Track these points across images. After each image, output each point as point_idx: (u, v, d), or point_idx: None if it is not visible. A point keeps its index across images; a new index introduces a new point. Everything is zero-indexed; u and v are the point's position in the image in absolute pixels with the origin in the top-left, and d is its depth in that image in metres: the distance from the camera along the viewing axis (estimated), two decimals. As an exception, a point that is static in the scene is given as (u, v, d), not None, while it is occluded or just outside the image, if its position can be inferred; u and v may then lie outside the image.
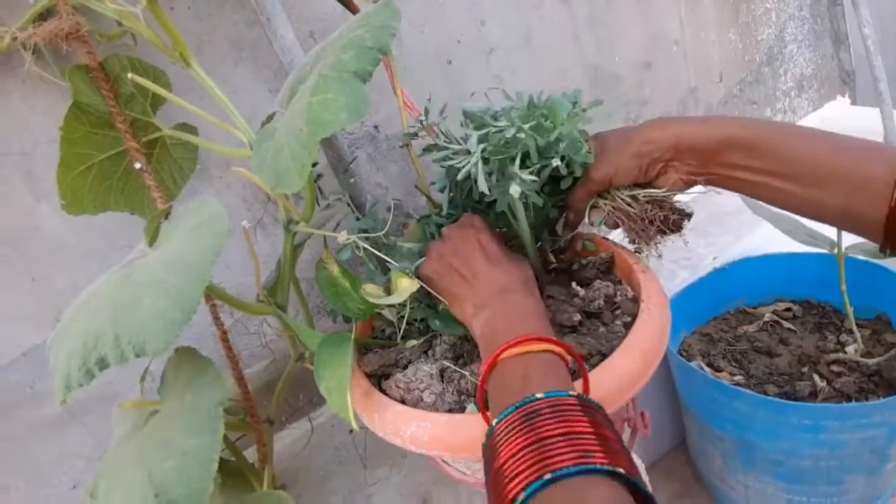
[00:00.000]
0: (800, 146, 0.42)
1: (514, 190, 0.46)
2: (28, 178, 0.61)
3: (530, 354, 0.41)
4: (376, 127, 0.80)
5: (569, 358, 0.42)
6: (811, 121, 1.36)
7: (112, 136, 0.55)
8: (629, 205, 0.49)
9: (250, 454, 0.66)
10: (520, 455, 0.32)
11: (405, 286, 0.47)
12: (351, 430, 0.80)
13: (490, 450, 0.36)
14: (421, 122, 0.54)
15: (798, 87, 1.31)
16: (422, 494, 0.68)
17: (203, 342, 0.72)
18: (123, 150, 0.56)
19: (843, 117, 1.35)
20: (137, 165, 0.55)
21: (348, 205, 0.64)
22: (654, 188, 0.49)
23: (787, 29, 1.24)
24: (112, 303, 0.42)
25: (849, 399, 0.79)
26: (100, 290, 0.45)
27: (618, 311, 0.52)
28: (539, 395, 0.36)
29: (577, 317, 0.52)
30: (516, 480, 0.31)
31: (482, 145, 0.47)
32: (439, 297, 0.51)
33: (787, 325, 0.95)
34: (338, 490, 0.71)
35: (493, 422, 0.37)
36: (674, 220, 0.49)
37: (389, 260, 0.49)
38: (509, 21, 0.88)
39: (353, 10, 0.61)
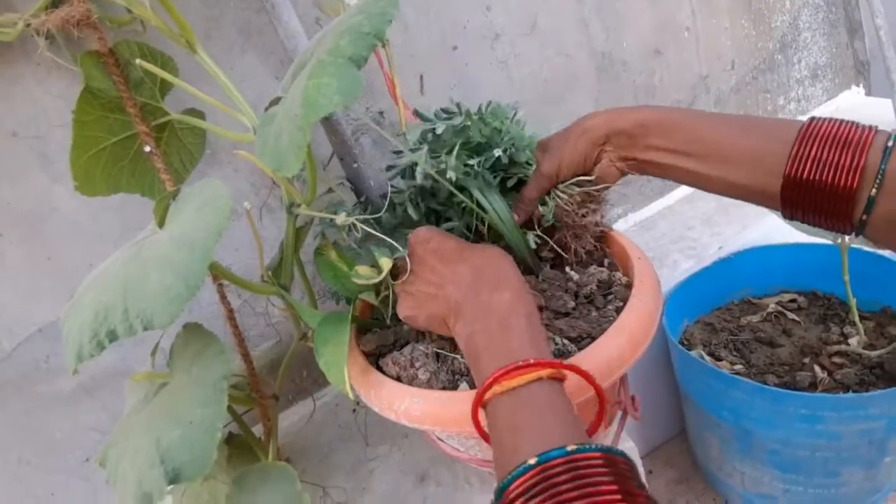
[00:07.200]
0: (705, 127, 0.45)
1: (451, 174, 0.49)
2: (43, 161, 0.63)
3: (516, 392, 0.36)
4: (381, 113, 0.81)
5: (566, 373, 0.38)
6: (826, 110, 1.34)
7: (123, 120, 0.57)
8: (568, 203, 0.53)
9: (259, 431, 0.68)
10: None
11: (385, 265, 0.48)
12: (354, 409, 0.82)
13: None
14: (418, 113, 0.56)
15: (812, 76, 1.29)
16: (420, 471, 0.70)
17: (212, 321, 0.74)
18: (134, 133, 0.58)
19: (857, 107, 1.33)
20: (147, 149, 0.57)
21: (351, 189, 0.66)
22: (591, 181, 0.53)
23: (801, 16, 1.22)
24: (122, 278, 0.44)
25: (848, 391, 0.79)
26: (111, 266, 0.47)
27: (611, 297, 0.53)
28: (532, 462, 0.31)
29: (572, 303, 0.53)
30: None
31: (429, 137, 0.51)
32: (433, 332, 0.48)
33: (791, 315, 0.95)
34: (341, 465, 0.74)
35: (499, 484, 0.33)
36: (595, 233, 0.56)
37: (381, 236, 0.50)
38: (515, 6, 0.88)
39: None
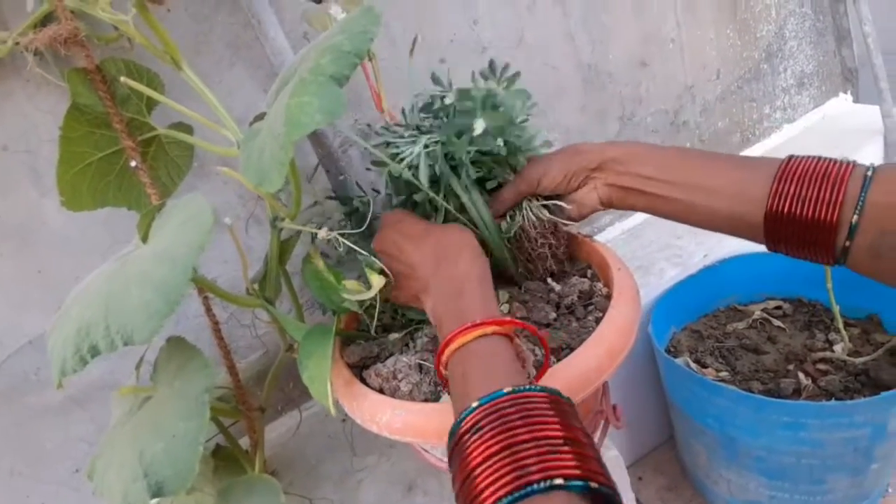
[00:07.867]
0: (691, 159, 0.48)
1: (479, 125, 0.49)
2: (33, 175, 0.64)
3: (467, 347, 0.40)
4: (369, 125, 0.82)
5: (511, 332, 0.42)
6: (813, 118, 1.35)
7: (109, 136, 0.58)
8: (534, 225, 0.54)
9: (246, 443, 0.69)
10: (490, 463, 0.31)
11: (376, 282, 0.49)
12: (343, 419, 0.82)
13: (457, 452, 0.34)
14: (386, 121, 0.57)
15: (798, 85, 1.31)
16: (408, 482, 0.70)
17: (199, 332, 0.75)
18: (120, 148, 0.58)
19: (845, 115, 1.34)
20: (133, 164, 0.58)
21: (337, 202, 0.67)
22: (567, 204, 0.54)
23: (787, 25, 1.24)
24: (104, 294, 0.44)
25: (832, 398, 0.80)
26: (94, 282, 0.48)
27: (591, 308, 0.54)
28: (474, 405, 0.34)
29: (553, 315, 0.54)
30: (487, 492, 0.30)
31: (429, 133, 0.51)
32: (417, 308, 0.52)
33: (776, 322, 0.96)
34: (328, 476, 0.74)
35: (453, 423, 0.36)
36: (562, 251, 0.57)
37: (364, 252, 0.51)
38: (502, 21, 0.89)
39: None
